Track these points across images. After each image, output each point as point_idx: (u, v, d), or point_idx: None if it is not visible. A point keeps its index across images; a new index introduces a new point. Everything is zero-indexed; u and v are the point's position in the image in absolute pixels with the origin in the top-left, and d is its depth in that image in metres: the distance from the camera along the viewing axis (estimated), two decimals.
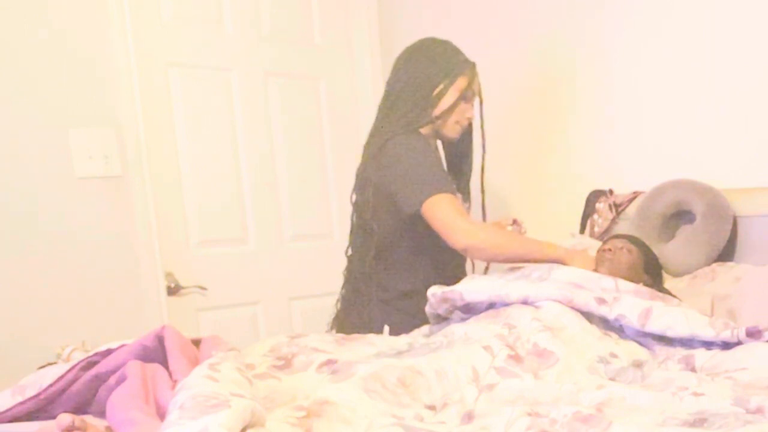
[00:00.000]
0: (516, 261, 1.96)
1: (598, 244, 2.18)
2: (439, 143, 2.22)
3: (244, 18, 2.71)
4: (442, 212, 1.96)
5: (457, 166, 2.26)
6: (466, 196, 2.26)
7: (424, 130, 2.09)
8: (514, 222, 2.17)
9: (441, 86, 2.07)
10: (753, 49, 2.16)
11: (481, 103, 2.19)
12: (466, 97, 2.10)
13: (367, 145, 2.15)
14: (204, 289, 2.62)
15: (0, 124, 2.17)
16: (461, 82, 2.08)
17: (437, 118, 2.08)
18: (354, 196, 2.17)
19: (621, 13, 2.43)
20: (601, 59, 2.50)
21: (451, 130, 2.13)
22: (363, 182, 2.12)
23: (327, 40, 2.93)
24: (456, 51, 2.11)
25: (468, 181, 2.27)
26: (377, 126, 2.14)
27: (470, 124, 2.19)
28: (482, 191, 2.27)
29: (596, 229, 2.42)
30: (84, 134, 2.30)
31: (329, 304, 2.28)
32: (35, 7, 2.20)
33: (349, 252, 2.20)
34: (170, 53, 2.53)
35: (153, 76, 2.49)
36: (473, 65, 2.12)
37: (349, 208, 2.20)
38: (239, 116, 2.70)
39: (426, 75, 2.06)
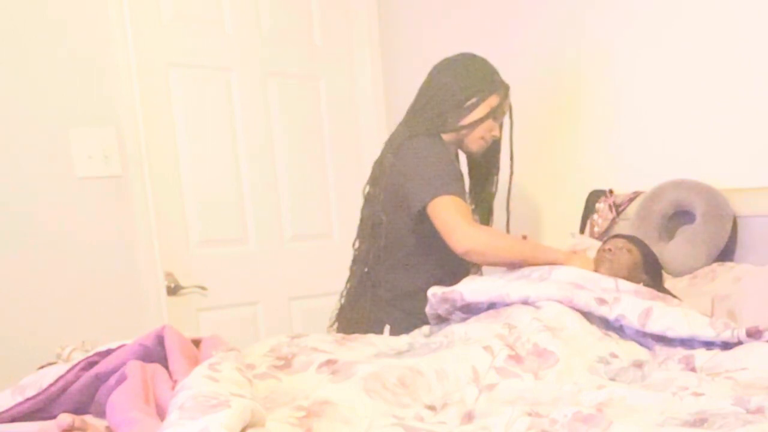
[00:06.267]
0: (517, 266, 1.97)
1: (598, 244, 2.18)
2: (463, 160, 2.25)
3: (244, 18, 2.71)
4: (445, 213, 1.97)
5: (481, 184, 2.29)
6: (489, 215, 2.29)
7: (446, 137, 2.11)
8: (524, 238, 2.18)
9: (474, 99, 2.09)
10: (753, 50, 2.16)
11: (511, 125, 2.22)
12: (495, 115, 2.13)
13: (389, 141, 2.16)
14: (204, 289, 2.62)
15: (0, 124, 2.17)
16: (493, 100, 2.11)
17: (463, 127, 2.10)
18: (367, 188, 2.18)
19: (622, 14, 2.43)
20: (601, 60, 2.50)
21: (474, 143, 2.14)
22: (378, 175, 2.14)
23: (327, 40, 2.93)
24: (494, 70, 2.14)
25: (491, 200, 2.29)
26: (402, 124, 2.16)
27: (497, 144, 2.22)
28: (507, 211, 2.29)
29: (596, 229, 2.41)
30: (84, 134, 2.30)
31: (329, 304, 2.28)
32: (35, 7, 2.20)
33: (356, 245, 2.21)
34: (170, 53, 2.54)
35: (153, 76, 2.49)
36: (507, 87, 2.15)
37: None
38: (239, 116, 2.71)
39: (461, 86, 2.09)
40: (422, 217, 2.02)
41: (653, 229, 2.24)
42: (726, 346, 1.55)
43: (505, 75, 2.16)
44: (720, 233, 2.12)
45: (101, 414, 1.21)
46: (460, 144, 2.16)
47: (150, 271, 2.44)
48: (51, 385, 1.26)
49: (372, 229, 2.13)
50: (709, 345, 1.56)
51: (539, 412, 1.22)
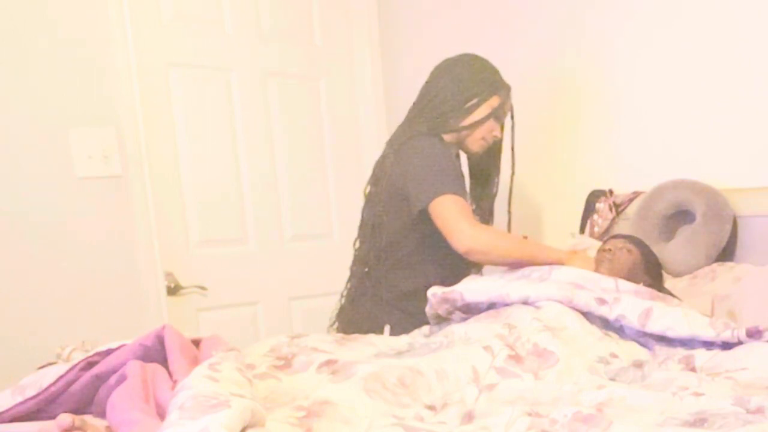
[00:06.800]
0: (518, 265, 1.97)
1: (598, 244, 2.18)
2: (464, 161, 2.26)
3: (244, 18, 2.71)
4: (447, 213, 1.97)
5: (482, 185, 2.30)
6: (490, 215, 2.29)
7: (447, 138, 2.11)
8: (525, 239, 2.18)
9: (475, 100, 2.10)
10: (753, 50, 2.16)
11: (513, 125, 2.22)
12: (496, 115, 2.13)
13: (390, 141, 2.17)
14: (204, 289, 2.62)
15: (0, 124, 2.17)
16: (494, 101, 2.12)
17: (464, 128, 2.11)
18: (368, 188, 2.19)
19: (622, 14, 2.43)
20: (602, 60, 2.50)
21: (476, 144, 2.15)
22: (379, 175, 2.14)
23: (327, 40, 2.93)
24: (495, 71, 2.14)
25: (492, 201, 2.29)
26: (403, 125, 2.16)
27: (498, 145, 2.23)
28: (509, 212, 2.30)
29: (596, 229, 2.41)
30: (84, 134, 2.30)
31: (329, 304, 2.28)
32: (35, 8, 2.20)
33: (357, 245, 2.21)
34: (170, 53, 2.54)
35: (153, 76, 2.49)
36: (509, 88, 2.15)
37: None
38: (239, 116, 2.71)
39: (462, 86, 2.10)
40: (423, 217, 2.02)
41: (653, 229, 2.24)
42: (726, 346, 1.55)
43: (506, 75, 2.16)
44: (720, 233, 2.12)
45: (101, 414, 1.21)
46: (461, 144, 2.16)
47: (150, 271, 2.44)
48: (51, 385, 1.26)
49: (373, 229, 2.13)
50: (709, 345, 1.56)
51: (539, 412, 1.22)
